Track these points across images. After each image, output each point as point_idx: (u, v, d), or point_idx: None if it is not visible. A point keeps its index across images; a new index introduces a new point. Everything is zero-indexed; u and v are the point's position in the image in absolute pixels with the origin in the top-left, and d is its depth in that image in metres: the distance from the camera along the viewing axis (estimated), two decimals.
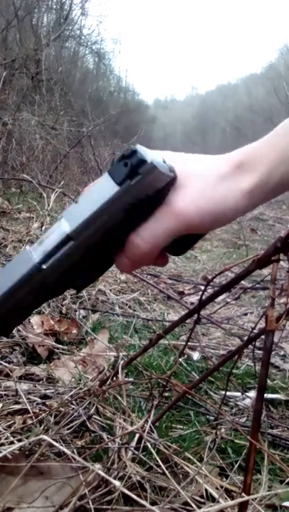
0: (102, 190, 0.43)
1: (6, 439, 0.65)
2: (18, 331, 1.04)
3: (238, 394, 0.93)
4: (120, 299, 1.55)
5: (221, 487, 0.61)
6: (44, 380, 0.86)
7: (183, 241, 0.48)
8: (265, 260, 0.53)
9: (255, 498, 0.58)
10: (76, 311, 1.29)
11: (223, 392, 0.85)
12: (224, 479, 0.66)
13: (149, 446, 0.60)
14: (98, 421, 0.70)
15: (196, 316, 0.64)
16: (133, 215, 0.43)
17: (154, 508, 0.47)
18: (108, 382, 0.73)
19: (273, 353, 1.20)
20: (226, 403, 0.91)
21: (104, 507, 0.53)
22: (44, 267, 0.43)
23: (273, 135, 0.46)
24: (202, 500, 0.57)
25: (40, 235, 1.57)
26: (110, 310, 1.42)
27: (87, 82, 10.01)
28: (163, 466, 0.57)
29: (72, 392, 0.75)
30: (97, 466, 0.48)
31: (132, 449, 0.61)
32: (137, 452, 0.60)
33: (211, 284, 1.30)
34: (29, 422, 0.69)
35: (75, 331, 1.13)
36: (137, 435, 0.62)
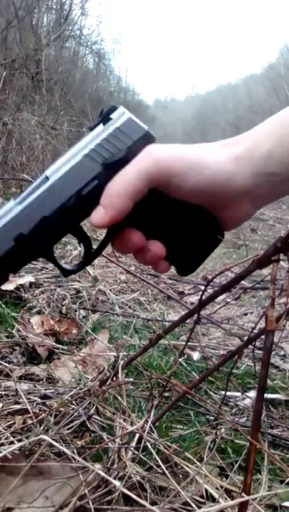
0: (80, 141, 0.44)
1: (6, 439, 0.65)
2: (18, 331, 1.04)
3: (238, 394, 0.93)
4: (120, 299, 1.55)
5: (221, 487, 0.61)
6: (44, 380, 0.86)
7: (189, 258, 0.49)
8: (265, 260, 0.53)
9: (255, 498, 0.58)
10: (76, 311, 1.29)
11: (223, 392, 0.85)
12: (224, 479, 0.66)
13: (149, 446, 0.60)
14: (98, 421, 0.70)
15: (196, 316, 0.64)
16: (109, 168, 0.43)
17: (154, 508, 0.47)
18: (108, 383, 0.73)
19: (273, 353, 1.20)
20: (226, 403, 0.91)
21: (104, 507, 0.53)
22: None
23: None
24: (202, 500, 0.57)
25: None
26: (110, 310, 1.41)
27: (87, 82, 10.00)
28: (163, 466, 0.57)
29: (72, 392, 0.75)
30: (97, 466, 0.49)
31: (132, 449, 0.61)
32: (137, 452, 0.60)
33: (211, 284, 1.30)
34: (29, 422, 0.69)
35: (75, 331, 1.13)
36: (137, 435, 0.62)
